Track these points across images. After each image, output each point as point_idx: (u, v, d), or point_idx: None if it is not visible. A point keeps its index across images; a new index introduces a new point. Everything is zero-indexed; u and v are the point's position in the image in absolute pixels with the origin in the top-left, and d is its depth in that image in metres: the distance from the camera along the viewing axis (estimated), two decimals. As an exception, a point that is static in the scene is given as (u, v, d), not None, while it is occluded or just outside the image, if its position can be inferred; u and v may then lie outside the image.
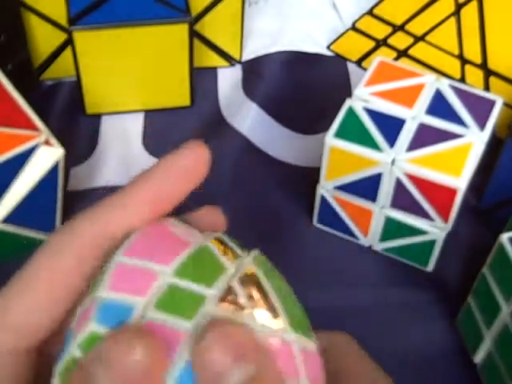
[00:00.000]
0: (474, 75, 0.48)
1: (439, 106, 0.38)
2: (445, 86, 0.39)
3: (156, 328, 0.17)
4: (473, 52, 0.48)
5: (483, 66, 0.48)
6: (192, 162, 0.22)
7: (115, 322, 0.18)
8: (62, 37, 0.49)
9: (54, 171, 0.40)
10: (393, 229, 0.40)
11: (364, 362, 0.24)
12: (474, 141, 0.37)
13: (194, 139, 0.54)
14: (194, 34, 0.46)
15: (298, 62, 0.53)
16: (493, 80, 0.47)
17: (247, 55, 0.54)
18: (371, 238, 0.41)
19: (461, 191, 0.35)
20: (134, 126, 0.49)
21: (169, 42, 0.45)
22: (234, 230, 0.46)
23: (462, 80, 0.48)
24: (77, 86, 0.47)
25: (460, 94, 0.39)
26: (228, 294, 0.18)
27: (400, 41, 0.51)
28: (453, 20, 0.48)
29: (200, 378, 0.17)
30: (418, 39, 0.50)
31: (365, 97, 0.39)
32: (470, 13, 0.47)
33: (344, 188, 0.39)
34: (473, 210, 0.43)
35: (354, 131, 0.37)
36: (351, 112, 0.38)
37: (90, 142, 0.48)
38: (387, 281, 0.41)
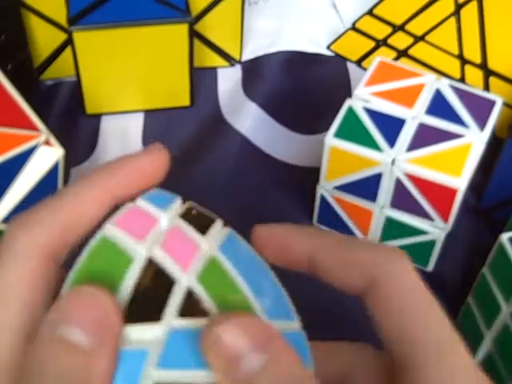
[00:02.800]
0: (474, 75, 0.48)
1: (439, 105, 0.38)
2: (445, 85, 0.39)
3: None
4: (473, 52, 0.48)
5: (483, 66, 0.48)
6: (150, 165, 0.22)
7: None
8: (61, 37, 0.49)
9: (53, 171, 0.40)
10: (393, 229, 0.40)
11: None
12: (474, 141, 0.37)
13: (193, 139, 0.54)
14: (194, 34, 0.46)
15: (298, 62, 0.53)
16: (493, 80, 0.47)
17: (247, 55, 0.54)
18: (371, 238, 0.41)
19: (461, 191, 0.35)
20: (134, 125, 0.49)
21: (169, 42, 0.45)
22: (234, 230, 0.46)
23: (462, 80, 0.49)
24: (77, 86, 0.47)
25: (460, 93, 0.39)
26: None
27: (400, 41, 0.51)
28: (453, 20, 0.48)
29: (215, 365, 0.17)
30: (418, 39, 0.50)
31: (365, 97, 0.39)
32: (469, 13, 0.47)
33: (344, 188, 0.39)
34: (473, 210, 0.43)
35: (353, 131, 0.37)
36: (351, 112, 0.38)
37: (90, 142, 0.48)
38: (387, 281, 0.41)
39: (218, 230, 0.21)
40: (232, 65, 0.53)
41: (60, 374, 0.16)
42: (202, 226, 0.20)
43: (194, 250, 0.19)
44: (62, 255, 0.20)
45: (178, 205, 0.21)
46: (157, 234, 0.19)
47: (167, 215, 0.20)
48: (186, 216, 0.20)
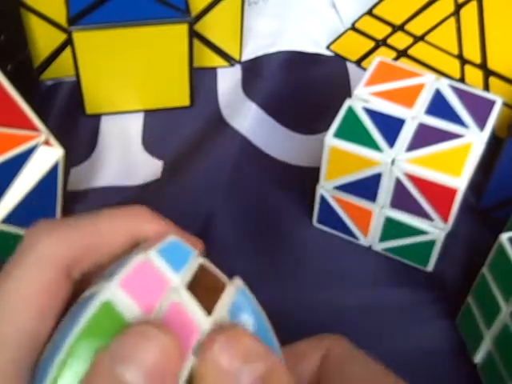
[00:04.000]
0: (474, 75, 0.48)
1: (439, 106, 0.38)
2: (444, 85, 0.39)
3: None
4: (472, 52, 0.48)
5: (483, 66, 0.48)
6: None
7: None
8: (61, 37, 0.49)
9: (53, 171, 0.40)
10: (392, 229, 0.40)
11: (370, 367, 0.23)
12: (474, 141, 0.37)
13: (193, 139, 0.54)
14: (193, 34, 0.46)
15: (297, 62, 0.53)
16: (492, 80, 0.47)
17: (247, 55, 0.54)
18: (371, 238, 0.41)
19: (460, 191, 0.35)
20: (134, 126, 0.49)
21: (169, 41, 0.45)
22: (234, 230, 0.46)
23: (462, 80, 0.49)
24: (77, 86, 0.47)
25: (460, 93, 0.39)
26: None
27: (400, 41, 0.51)
28: (452, 20, 0.48)
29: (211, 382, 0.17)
30: (418, 39, 0.50)
31: (364, 97, 0.39)
32: (469, 13, 0.47)
33: (344, 188, 0.39)
34: (473, 210, 0.43)
35: (353, 131, 0.37)
36: (351, 112, 0.38)
37: (90, 141, 0.48)
38: (387, 281, 0.41)
39: (225, 303, 0.19)
40: (232, 65, 0.53)
41: None
42: (209, 301, 0.19)
43: (193, 335, 0.18)
44: (76, 274, 0.20)
45: (191, 264, 0.20)
46: (163, 304, 0.18)
47: (178, 278, 0.19)
48: (194, 285, 0.19)
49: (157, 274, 0.18)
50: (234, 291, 0.20)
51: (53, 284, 0.19)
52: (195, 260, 0.20)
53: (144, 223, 0.22)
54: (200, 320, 0.18)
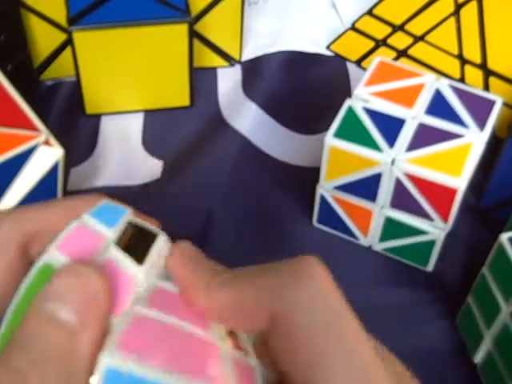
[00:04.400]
0: (474, 75, 0.48)
1: (439, 106, 0.38)
2: (444, 85, 0.39)
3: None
4: (472, 52, 0.48)
5: (483, 66, 0.48)
6: None
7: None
8: (61, 37, 0.49)
9: (53, 171, 0.40)
10: (392, 229, 0.40)
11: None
12: (474, 141, 0.37)
13: (193, 139, 0.54)
14: (193, 34, 0.46)
15: (297, 62, 0.53)
16: (492, 80, 0.47)
17: (247, 55, 0.54)
18: (371, 238, 0.41)
19: (460, 191, 0.35)
20: (134, 125, 0.49)
21: (169, 41, 0.45)
22: (234, 230, 0.46)
23: (462, 80, 0.49)
24: (77, 86, 0.47)
25: (460, 93, 0.39)
26: None
27: (399, 41, 0.51)
28: (452, 20, 0.48)
29: None
30: (418, 39, 0.50)
31: (364, 97, 0.39)
32: (469, 13, 0.47)
33: (344, 188, 0.39)
34: (473, 210, 0.43)
35: (353, 131, 0.37)
36: (351, 112, 0.38)
37: (90, 141, 0.48)
38: (387, 281, 0.41)
39: (155, 252, 0.20)
40: (232, 65, 0.53)
41: (45, 349, 0.17)
42: (140, 251, 0.20)
43: (128, 285, 0.19)
44: (34, 253, 0.21)
45: (123, 221, 0.21)
46: (98, 260, 0.19)
47: (111, 235, 0.20)
48: (125, 239, 0.20)
49: (91, 234, 0.20)
50: (164, 240, 0.21)
51: (9, 263, 0.20)
52: (127, 218, 0.21)
53: None
54: (132, 270, 0.19)
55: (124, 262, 0.19)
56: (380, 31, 0.52)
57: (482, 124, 0.38)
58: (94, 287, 0.18)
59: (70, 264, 0.18)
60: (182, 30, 0.45)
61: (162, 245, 0.20)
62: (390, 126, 0.38)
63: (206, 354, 0.18)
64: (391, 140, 0.37)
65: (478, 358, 0.36)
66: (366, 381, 0.17)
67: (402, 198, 0.38)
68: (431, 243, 0.39)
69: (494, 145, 0.40)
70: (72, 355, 0.17)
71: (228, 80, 0.52)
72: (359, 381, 0.17)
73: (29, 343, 0.17)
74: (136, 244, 0.20)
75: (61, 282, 0.18)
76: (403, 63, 0.42)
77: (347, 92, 0.51)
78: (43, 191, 0.39)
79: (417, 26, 0.50)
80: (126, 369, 0.17)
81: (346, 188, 0.39)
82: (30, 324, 0.17)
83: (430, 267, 0.41)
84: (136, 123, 0.49)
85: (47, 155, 0.39)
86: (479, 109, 0.38)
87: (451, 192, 0.36)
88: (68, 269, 0.18)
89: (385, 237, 0.41)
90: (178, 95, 0.49)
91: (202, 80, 0.51)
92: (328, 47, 0.54)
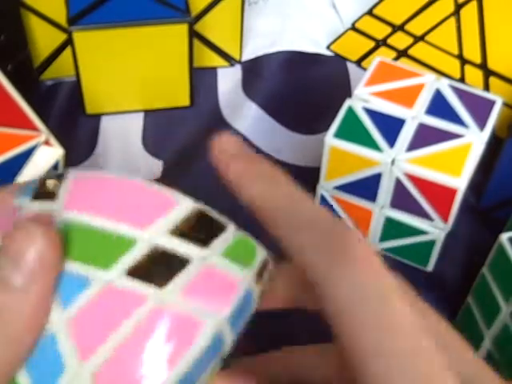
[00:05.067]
0: (474, 75, 0.48)
1: (439, 106, 0.38)
2: (444, 85, 0.39)
3: None
4: (472, 52, 0.48)
5: (483, 66, 0.48)
6: None
7: None
8: (61, 37, 0.49)
9: (53, 171, 0.40)
10: (393, 229, 0.40)
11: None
12: (474, 141, 0.37)
13: (193, 139, 0.54)
14: (193, 34, 0.46)
15: (297, 62, 0.53)
16: (492, 80, 0.47)
17: (247, 55, 0.54)
18: (371, 238, 0.41)
19: (460, 191, 0.35)
20: (134, 125, 0.49)
21: (169, 41, 0.45)
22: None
23: (462, 80, 0.49)
24: (77, 86, 0.47)
25: (460, 93, 0.39)
26: None
27: (400, 41, 0.51)
28: (452, 20, 0.48)
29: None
30: (418, 39, 0.50)
31: (365, 97, 0.39)
32: (469, 13, 0.47)
33: (344, 188, 0.39)
34: (473, 210, 0.43)
35: (353, 131, 0.37)
36: (351, 112, 0.38)
37: (90, 141, 0.48)
38: (387, 281, 0.41)
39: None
40: (232, 65, 0.53)
41: None
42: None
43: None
44: None
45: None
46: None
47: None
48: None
49: (7, 205, 0.20)
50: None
51: None
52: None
53: None
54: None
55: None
56: (380, 31, 0.52)
57: (482, 124, 0.38)
58: (41, 247, 0.17)
59: (21, 223, 0.18)
60: (182, 30, 0.45)
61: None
62: (390, 126, 0.38)
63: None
64: (391, 140, 0.37)
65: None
66: (419, 351, 0.18)
67: (402, 198, 0.38)
68: (431, 243, 0.39)
69: (494, 145, 0.40)
70: (18, 318, 0.17)
71: (228, 80, 0.52)
72: (413, 349, 0.18)
73: None
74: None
75: (13, 240, 0.18)
76: (403, 63, 0.42)
77: (347, 92, 0.51)
78: (43, 191, 0.39)
79: (417, 26, 0.50)
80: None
81: (346, 188, 0.39)
82: None
83: (430, 267, 0.41)
84: (136, 123, 0.49)
85: (47, 155, 0.39)
86: (479, 109, 0.38)
87: (451, 192, 0.36)
88: (20, 228, 0.18)
89: (385, 237, 0.41)
90: (178, 95, 0.49)
91: (202, 80, 0.51)
92: (328, 47, 0.54)
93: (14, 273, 0.17)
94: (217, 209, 0.25)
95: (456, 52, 0.49)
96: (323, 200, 0.41)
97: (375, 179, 0.37)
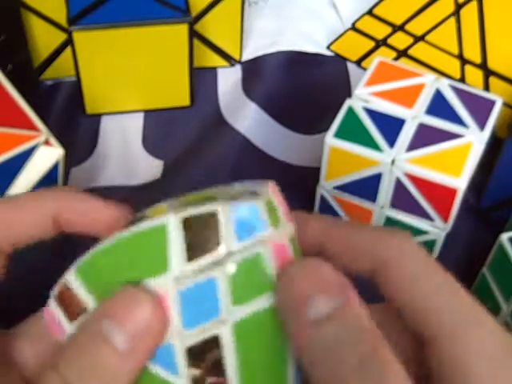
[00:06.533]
0: (474, 75, 0.48)
1: (439, 105, 0.38)
2: (445, 85, 0.39)
3: None
4: (472, 52, 0.48)
5: (483, 65, 0.48)
6: (101, 211, 0.23)
7: None
8: (61, 37, 0.49)
9: (53, 171, 0.40)
10: (393, 229, 0.40)
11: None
12: (474, 141, 0.37)
13: (193, 139, 0.54)
14: (193, 34, 0.46)
15: (297, 62, 0.53)
16: (492, 80, 0.47)
17: (247, 55, 0.54)
18: (371, 237, 0.41)
19: (461, 191, 0.35)
20: (134, 125, 0.49)
21: (169, 42, 0.45)
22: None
23: (462, 80, 0.49)
24: (77, 86, 0.47)
25: (460, 93, 0.39)
26: None
27: (400, 41, 0.51)
28: (452, 20, 0.48)
29: (283, 304, 0.18)
30: (418, 39, 0.50)
31: (365, 97, 0.39)
32: (469, 13, 0.47)
33: (344, 188, 0.39)
34: (473, 210, 0.43)
35: (353, 131, 0.37)
36: (351, 112, 0.38)
37: (90, 142, 0.48)
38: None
39: None
40: (232, 65, 0.53)
41: (92, 366, 0.18)
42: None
43: None
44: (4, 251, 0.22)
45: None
46: None
47: None
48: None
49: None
50: None
51: None
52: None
53: (72, 202, 0.23)
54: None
55: None
56: (380, 31, 0.52)
57: (482, 124, 0.38)
58: (149, 316, 0.18)
59: (128, 288, 0.18)
60: (182, 30, 0.45)
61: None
62: (390, 126, 0.38)
63: None
64: (391, 140, 0.37)
65: (478, 358, 0.36)
66: (477, 310, 0.22)
67: (402, 198, 0.38)
68: (431, 243, 0.39)
69: (494, 145, 0.40)
70: (114, 378, 0.18)
71: (228, 80, 0.52)
72: (472, 309, 0.22)
73: (79, 355, 0.18)
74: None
75: (120, 304, 0.18)
76: (403, 63, 0.42)
77: (347, 92, 0.51)
78: (43, 191, 0.39)
79: (417, 26, 0.50)
80: None
81: (346, 188, 0.39)
82: (84, 336, 0.18)
83: (430, 267, 0.41)
84: (136, 123, 0.49)
85: (47, 155, 0.39)
86: (479, 109, 0.38)
87: (451, 192, 0.36)
88: (128, 292, 0.18)
89: (385, 237, 0.41)
90: (178, 95, 0.49)
91: (202, 80, 0.51)
92: (328, 47, 0.54)
93: (123, 338, 0.18)
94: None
95: (456, 52, 0.49)
96: (323, 200, 0.41)
97: (375, 179, 0.37)
